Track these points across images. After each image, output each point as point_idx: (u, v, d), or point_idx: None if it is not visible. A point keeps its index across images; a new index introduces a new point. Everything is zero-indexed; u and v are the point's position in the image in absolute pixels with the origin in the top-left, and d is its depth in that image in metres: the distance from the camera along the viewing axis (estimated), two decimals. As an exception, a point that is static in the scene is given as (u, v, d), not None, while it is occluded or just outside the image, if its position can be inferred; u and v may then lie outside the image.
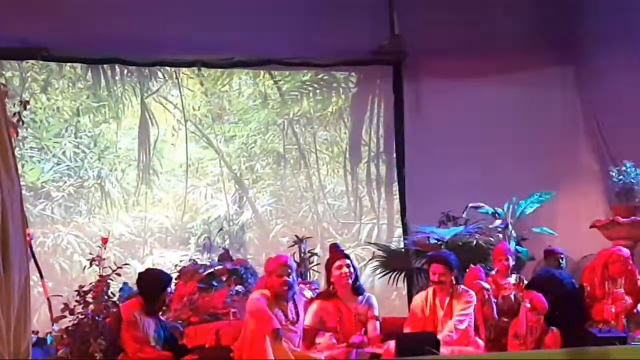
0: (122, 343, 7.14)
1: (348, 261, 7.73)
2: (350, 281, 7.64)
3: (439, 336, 7.28)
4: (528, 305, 7.47)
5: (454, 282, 7.69)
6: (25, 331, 3.45)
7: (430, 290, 7.78)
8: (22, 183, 9.85)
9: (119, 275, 8.74)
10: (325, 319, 7.56)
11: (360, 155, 11.37)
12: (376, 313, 7.69)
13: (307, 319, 7.48)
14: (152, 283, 7.40)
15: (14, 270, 3.36)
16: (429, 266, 7.81)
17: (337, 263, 7.69)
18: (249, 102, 11.19)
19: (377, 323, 7.65)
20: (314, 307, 7.62)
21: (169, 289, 7.69)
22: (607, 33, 10.61)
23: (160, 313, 7.59)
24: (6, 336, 3.26)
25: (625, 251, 8.15)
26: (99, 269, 8.75)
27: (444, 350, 7.08)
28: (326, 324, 7.55)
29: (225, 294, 8.76)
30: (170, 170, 10.86)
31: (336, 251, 8.00)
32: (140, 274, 7.65)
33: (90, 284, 8.65)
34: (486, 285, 7.94)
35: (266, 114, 11.19)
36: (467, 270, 8.37)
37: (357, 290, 7.71)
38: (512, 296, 8.09)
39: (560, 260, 9.55)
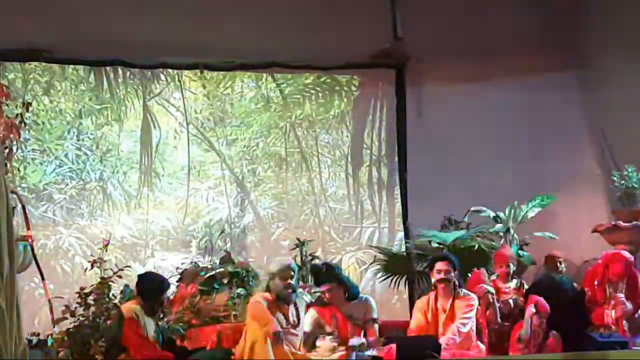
0: (124, 341, 7.14)
1: (330, 284, 7.70)
2: (336, 300, 7.66)
3: (442, 340, 7.28)
4: (533, 309, 7.46)
5: (456, 284, 7.69)
6: (20, 334, 3.48)
7: (432, 294, 7.78)
8: (24, 185, 10.02)
9: (120, 277, 8.74)
10: (323, 326, 7.56)
11: (362, 159, 11.36)
12: (374, 315, 7.68)
13: (305, 326, 7.48)
14: (151, 286, 7.43)
15: (15, 273, 3.38)
16: (432, 266, 7.78)
17: (321, 288, 7.77)
18: (251, 105, 11.18)
19: (376, 326, 7.65)
20: (310, 314, 7.62)
21: (166, 294, 7.71)
22: (610, 36, 10.61)
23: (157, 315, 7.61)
24: (10, 340, 3.28)
25: (628, 254, 8.15)
26: (100, 271, 8.76)
27: (445, 353, 7.08)
28: (324, 330, 7.54)
29: (227, 296, 8.77)
30: (172, 173, 10.86)
31: (317, 277, 7.98)
32: (139, 276, 7.68)
33: (92, 286, 8.66)
34: (491, 289, 7.94)
35: (268, 117, 11.19)
36: (470, 274, 8.39)
37: (350, 298, 7.71)
38: (511, 301, 8.08)
39: (559, 264, 9.56)
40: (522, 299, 7.96)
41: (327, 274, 7.79)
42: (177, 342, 7.89)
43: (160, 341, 7.32)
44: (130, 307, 7.24)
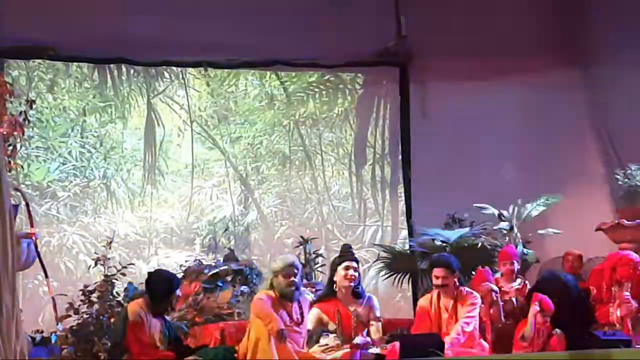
0: (127, 343, 7.14)
1: (356, 265, 7.75)
2: (352, 284, 7.65)
3: (446, 338, 7.28)
4: (537, 307, 7.46)
5: (458, 284, 7.69)
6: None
7: (434, 293, 7.78)
8: (27, 182, 10.03)
9: (124, 275, 8.75)
10: (326, 323, 7.56)
11: (366, 157, 11.35)
12: (378, 314, 7.69)
13: (308, 324, 7.47)
14: (161, 284, 7.34)
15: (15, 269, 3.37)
16: (431, 270, 7.81)
17: (346, 264, 7.70)
18: (255, 103, 11.18)
19: (379, 324, 7.65)
20: (313, 312, 7.61)
21: (177, 292, 7.66)
22: (614, 35, 10.60)
23: (165, 314, 7.59)
24: (15, 338, 3.29)
25: (635, 256, 8.13)
26: (104, 268, 8.77)
27: (449, 352, 7.07)
28: (327, 327, 7.54)
29: (230, 294, 8.77)
30: (175, 171, 10.86)
31: (347, 252, 7.97)
32: (149, 274, 7.60)
33: (95, 283, 8.67)
34: (495, 288, 7.94)
35: (272, 115, 11.19)
36: (474, 272, 8.38)
37: (357, 294, 7.70)
38: (514, 299, 8.08)
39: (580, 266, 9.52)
40: (524, 297, 7.96)
41: (354, 256, 7.86)
42: (181, 340, 7.89)
43: (167, 339, 7.29)
44: (134, 309, 7.16)
